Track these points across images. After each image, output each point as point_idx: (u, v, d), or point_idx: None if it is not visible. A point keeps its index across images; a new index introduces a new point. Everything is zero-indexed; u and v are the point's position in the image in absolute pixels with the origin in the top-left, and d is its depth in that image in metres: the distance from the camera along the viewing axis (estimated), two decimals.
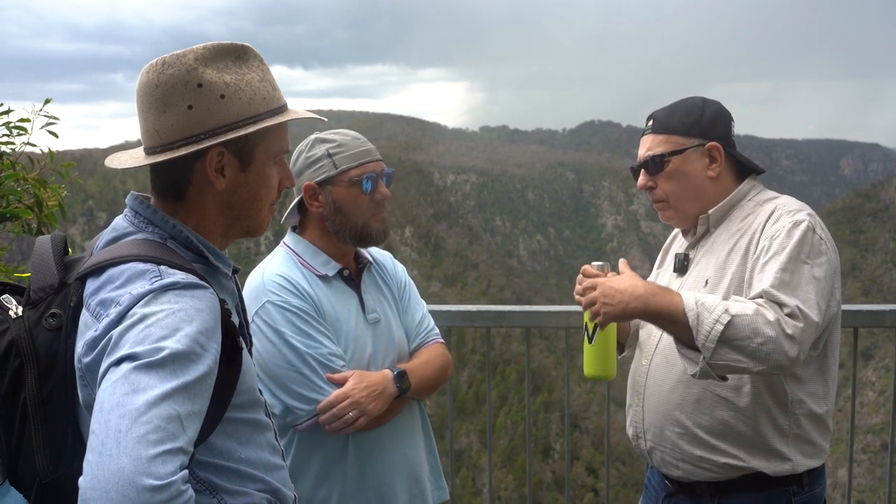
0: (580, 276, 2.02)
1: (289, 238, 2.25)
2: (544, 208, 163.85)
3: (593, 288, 1.93)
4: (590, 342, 2.04)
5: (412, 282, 2.42)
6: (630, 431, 2.21)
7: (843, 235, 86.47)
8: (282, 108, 1.43)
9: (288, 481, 1.51)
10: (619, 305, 1.87)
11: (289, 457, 2.11)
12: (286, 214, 2.27)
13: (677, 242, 2.30)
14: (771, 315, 1.77)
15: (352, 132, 2.22)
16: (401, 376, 2.14)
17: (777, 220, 1.94)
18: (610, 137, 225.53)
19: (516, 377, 49.05)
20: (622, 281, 1.91)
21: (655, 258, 2.45)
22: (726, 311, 1.77)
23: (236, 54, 1.40)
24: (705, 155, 2.07)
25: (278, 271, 2.12)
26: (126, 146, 1.45)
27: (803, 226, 1.89)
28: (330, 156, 2.13)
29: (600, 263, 2.02)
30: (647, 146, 2.12)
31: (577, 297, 2.01)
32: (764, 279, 1.85)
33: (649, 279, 2.41)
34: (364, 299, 2.22)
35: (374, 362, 2.17)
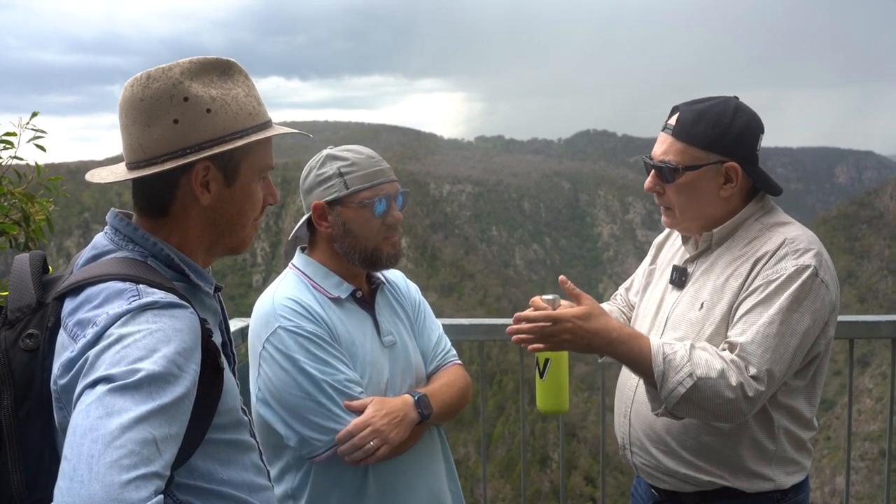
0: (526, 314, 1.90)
1: (298, 259, 2.15)
2: (540, 218, 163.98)
3: (553, 322, 1.84)
4: (541, 377, 1.97)
5: (426, 301, 2.35)
6: (618, 441, 2.20)
7: (839, 243, 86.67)
8: (267, 124, 1.42)
9: (273, 502, 1.48)
10: (587, 348, 1.86)
11: (306, 492, 2.02)
12: (293, 232, 2.20)
13: (672, 245, 2.25)
14: (734, 378, 1.78)
15: (366, 150, 2.11)
16: (422, 401, 2.05)
17: (781, 260, 1.87)
18: (605, 146, 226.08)
19: (514, 387, 48.96)
20: (591, 320, 1.85)
21: None
22: (691, 374, 1.79)
23: (221, 69, 1.38)
24: (721, 174, 1.95)
25: (289, 294, 2.02)
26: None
27: (807, 273, 1.84)
28: (341, 175, 2.03)
29: (551, 297, 1.93)
30: (664, 149, 1.98)
31: (520, 326, 1.88)
32: (746, 329, 1.84)
33: (639, 271, 2.39)
34: (379, 321, 2.13)
35: (391, 387, 2.08)
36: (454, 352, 2.32)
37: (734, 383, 1.77)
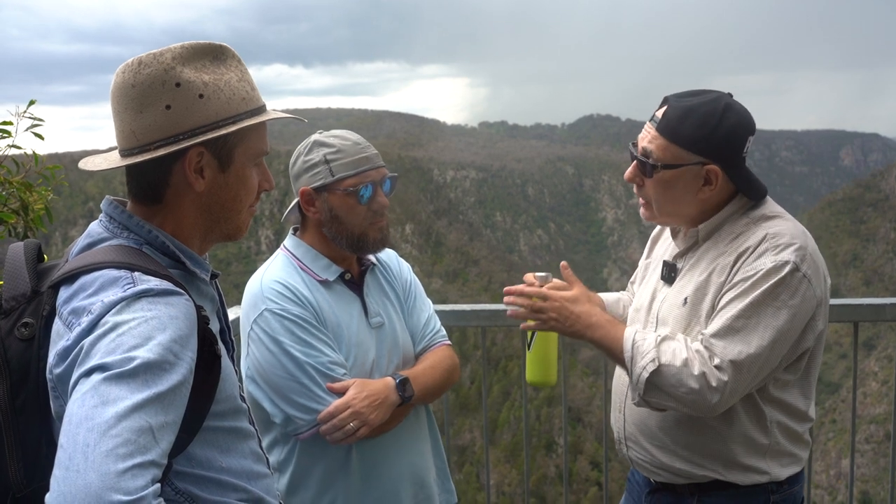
0: (519, 288, 2.03)
1: (289, 241, 2.19)
2: (544, 203, 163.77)
3: (542, 298, 1.97)
4: (528, 349, 2.05)
5: (418, 281, 2.37)
6: (614, 435, 2.20)
7: (844, 226, 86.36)
8: (261, 109, 1.40)
9: (272, 489, 1.48)
10: (570, 328, 1.96)
11: (291, 465, 2.09)
12: (285, 214, 2.22)
13: (665, 239, 2.23)
14: (697, 368, 1.79)
15: (353, 136, 2.13)
16: (403, 384, 2.09)
17: (760, 256, 1.83)
18: (609, 131, 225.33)
19: (518, 372, 49.04)
20: (577, 304, 1.97)
21: None
22: (654, 359, 1.83)
23: (214, 54, 1.36)
24: (701, 176, 1.90)
25: (277, 277, 2.06)
26: None
27: (786, 269, 1.79)
28: (327, 162, 2.06)
29: (543, 274, 2.03)
30: (647, 140, 1.93)
31: (515, 300, 2.00)
32: (716, 322, 1.84)
33: (638, 268, 2.39)
34: (367, 303, 2.17)
35: (377, 367, 2.12)
36: (443, 332, 2.34)
37: (696, 373, 1.78)
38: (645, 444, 2.05)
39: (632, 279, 2.48)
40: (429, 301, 2.37)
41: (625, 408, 2.11)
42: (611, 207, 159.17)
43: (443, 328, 2.35)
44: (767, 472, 1.96)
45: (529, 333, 2.04)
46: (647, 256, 2.31)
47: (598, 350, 2.00)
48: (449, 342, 2.34)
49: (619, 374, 2.16)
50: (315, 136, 2.12)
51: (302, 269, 2.11)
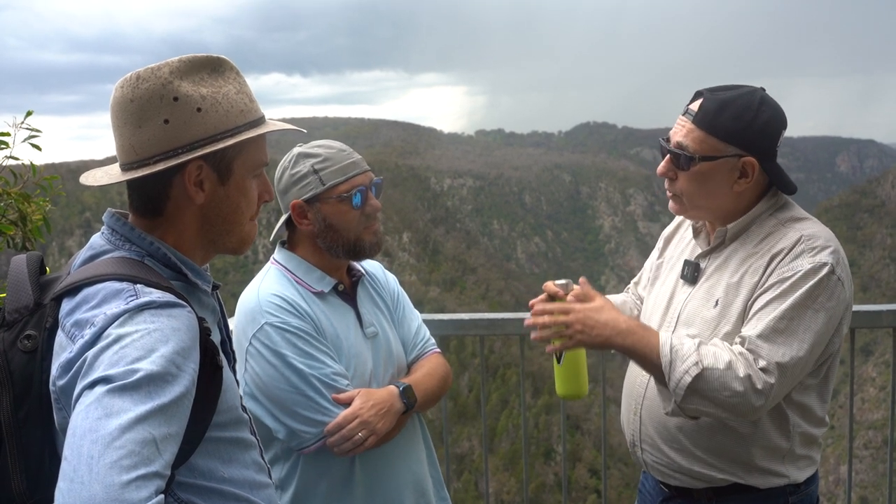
0: (539, 302, 1.95)
1: (279, 255, 2.18)
2: (541, 211, 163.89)
3: (565, 313, 1.88)
4: (558, 362, 1.96)
5: (404, 292, 2.38)
6: (627, 438, 2.18)
7: (841, 232, 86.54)
8: (259, 121, 1.41)
9: (274, 499, 1.48)
10: (598, 338, 1.88)
11: (294, 482, 2.07)
12: (274, 233, 2.22)
13: (682, 239, 2.21)
14: (742, 370, 1.77)
15: (336, 143, 2.14)
16: (406, 391, 2.09)
17: (797, 257, 1.84)
18: (606, 139, 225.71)
19: (517, 380, 49.00)
20: (603, 312, 1.88)
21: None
22: (697, 363, 1.78)
23: (212, 67, 1.37)
24: (737, 168, 1.90)
25: (273, 290, 2.04)
26: None
27: (823, 271, 1.81)
28: (316, 172, 2.06)
29: (563, 282, 1.94)
30: (683, 134, 1.92)
31: (537, 319, 1.92)
32: (757, 324, 1.82)
33: (647, 265, 2.37)
34: (361, 313, 2.17)
35: (375, 377, 2.13)
36: (433, 340, 2.36)
37: (741, 375, 1.75)
38: (663, 447, 2.03)
39: (635, 280, 2.46)
40: (416, 311, 2.39)
41: (641, 410, 2.08)
42: (608, 215, 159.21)
43: (432, 337, 2.36)
44: (787, 476, 1.96)
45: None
46: (660, 256, 2.29)
47: (626, 357, 1.94)
48: (439, 350, 2.35)
49: (634, 377, 2.14)
50: (297, 149, 2.12)
51: (296, 281, 2.10)
